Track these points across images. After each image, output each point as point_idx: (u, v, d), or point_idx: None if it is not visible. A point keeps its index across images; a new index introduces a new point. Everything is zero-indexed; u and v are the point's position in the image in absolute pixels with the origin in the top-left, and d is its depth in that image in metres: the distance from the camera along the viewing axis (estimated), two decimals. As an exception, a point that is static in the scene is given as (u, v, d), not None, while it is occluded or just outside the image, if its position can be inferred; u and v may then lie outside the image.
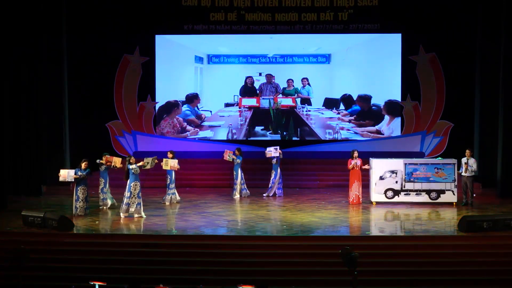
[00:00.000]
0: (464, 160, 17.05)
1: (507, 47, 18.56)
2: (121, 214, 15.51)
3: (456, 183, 17.05)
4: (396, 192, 17.22)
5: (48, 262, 12.99)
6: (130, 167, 15.39)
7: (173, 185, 17.68)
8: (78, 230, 14.26)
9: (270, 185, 18.79)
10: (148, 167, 15.87)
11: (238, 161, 18.55)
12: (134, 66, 22.14)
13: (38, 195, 18.87)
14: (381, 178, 17.23)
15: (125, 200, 15.45)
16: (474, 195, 17.47)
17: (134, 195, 15.38)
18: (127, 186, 15.43)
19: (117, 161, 16.41)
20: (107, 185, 16.97)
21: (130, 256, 13.12)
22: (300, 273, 12.57)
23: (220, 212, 16.32)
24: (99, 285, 10.75)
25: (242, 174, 18.71)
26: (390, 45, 22.14)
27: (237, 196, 18.50)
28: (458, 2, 20.88)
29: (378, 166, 17.29)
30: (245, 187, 18.77)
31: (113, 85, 22.08)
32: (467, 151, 17.10)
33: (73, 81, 21.01)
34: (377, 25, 21.76)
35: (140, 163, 15.67)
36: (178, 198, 17.79)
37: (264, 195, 18.67)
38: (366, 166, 17.40)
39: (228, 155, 18.48)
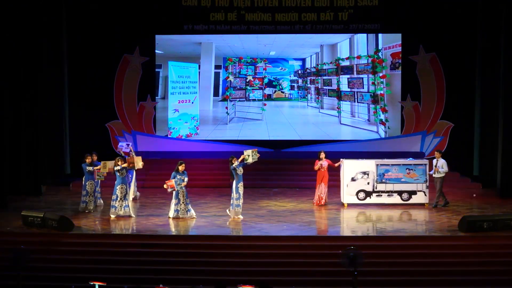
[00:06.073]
0: (434, 161, 16.92)
1: (507, 47, 18.55)
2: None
3: (427, 183, 16.89)
4: (368, 194, 16.96)
5: (48, 262, 13.00)
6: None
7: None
8: (78, 230, 14.26)
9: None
10: (250, 160, 15.15)
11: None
12: (134, 66, 22.10)
13: (38, 195, 18.84)
14: (353, 179, 16.95)
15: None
16: (474, 195, 17.38)
17: (241, 196, 15.25)
18: (234, 188, 15.19)
19: (138, 161, 16.17)
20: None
21: (130, 256, 13.13)
22: (300, 273, 12.58)
23: (220, 212, 16.29)
24: (99, 285, 10.75)
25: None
26: (390, 45, 22.19)
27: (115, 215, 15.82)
28: (458, 2, 20.86)
29: (350, 167, 17.02)
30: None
31: (113, 85, 22.06)
32: (436, 152, 17.04)
33: (73, 81, 21.01)
34: (377, 25, 21.73)
35: (241, 158, 15.09)
36: (138, 194, 17.84)
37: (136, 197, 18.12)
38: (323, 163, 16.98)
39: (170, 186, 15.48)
